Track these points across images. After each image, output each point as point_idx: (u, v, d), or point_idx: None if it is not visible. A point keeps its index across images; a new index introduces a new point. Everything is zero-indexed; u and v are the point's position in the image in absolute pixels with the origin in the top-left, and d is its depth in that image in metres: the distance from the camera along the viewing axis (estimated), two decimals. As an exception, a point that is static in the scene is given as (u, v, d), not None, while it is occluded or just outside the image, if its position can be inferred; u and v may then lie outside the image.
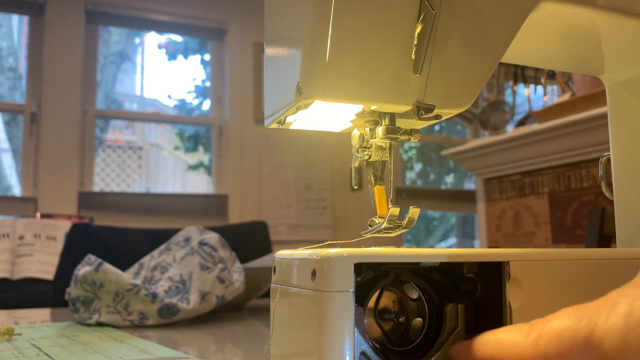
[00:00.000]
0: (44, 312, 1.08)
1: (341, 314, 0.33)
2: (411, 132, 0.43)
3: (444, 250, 0.37)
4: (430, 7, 0.39)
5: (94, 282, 0.83)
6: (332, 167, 3.33)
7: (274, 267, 0.40)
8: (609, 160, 0.55)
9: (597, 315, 0.25)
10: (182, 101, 3.79)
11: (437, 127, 4.16)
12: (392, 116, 0.43)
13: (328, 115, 0.45)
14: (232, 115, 3.27)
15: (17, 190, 3.06)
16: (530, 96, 2.61)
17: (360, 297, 0.36)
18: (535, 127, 1.96)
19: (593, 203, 1.81)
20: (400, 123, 0.43)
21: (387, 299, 0.38)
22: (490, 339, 0.30)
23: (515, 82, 2.66)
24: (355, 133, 0.45)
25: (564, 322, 0.26)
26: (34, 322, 0.90)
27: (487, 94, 2.84)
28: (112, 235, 1.43)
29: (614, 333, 0.24)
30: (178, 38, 3.71)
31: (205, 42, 3.56)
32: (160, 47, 3.81)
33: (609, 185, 0.54)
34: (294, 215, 3.26)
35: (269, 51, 0.47)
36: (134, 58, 3.85)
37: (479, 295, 0.39)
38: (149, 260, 0.99)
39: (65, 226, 2.46)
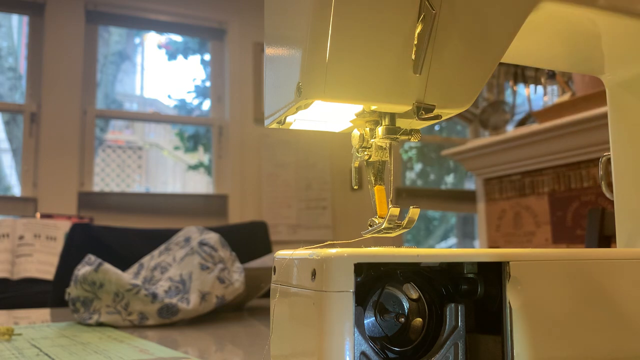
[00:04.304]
0: (44, 312, 1.08)
1: (341, 314, 0.33)
2: (411, 132, 0.43)
3: (444, 250, 0.37)
4: (430, 7, 0.39)
5: (94, 282, 0.83)
6: (332, 167, 3.33)
7: (274, 267, 0.40)
8: (609, 160, 0.55)
9: None
10: (182, 101, 3.78)
11: (437, 127, 4.16)
12: (392, 116, 0.43)
13: (328, 115, 0.45)
14: (232, 115, 3.27)
15: (17, 190, 3.06)
16: (530, 96, 2.61)
17: (360, 297, 0.36)
18: (535, 127, 1.96)
19: (593, 203, 1.81)
20: (400, 123, 0.43)
21: (387, 299, 0.38)
22: None
23: (515, 82, 2.66)
24: (355, 133, 0.45)
25: None
26: (34, 322, 0.90)
27: (487, 94, 2.84)
28: (112, 235, 1.43)
29: None
30: (178, 38, 3.71)
31: (205, 42, 3.56)
32: (160, 47, 3.80)
33: (609, 185, 0.54)
34: (294, 215, 3.26)
35: (269, 51, 0.47)
36: (134, 58, 3.85)
37: (479, 295, 0.39)
38: (149, 260, 0.99)
39: (65, 226, 2.46)
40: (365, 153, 0.44)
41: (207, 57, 3.61)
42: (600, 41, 0.50)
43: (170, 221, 3.01)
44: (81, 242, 1.33)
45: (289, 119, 0.45)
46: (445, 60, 0.41)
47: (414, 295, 0.38)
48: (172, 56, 3.79)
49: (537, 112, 2.06)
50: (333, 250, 0.34)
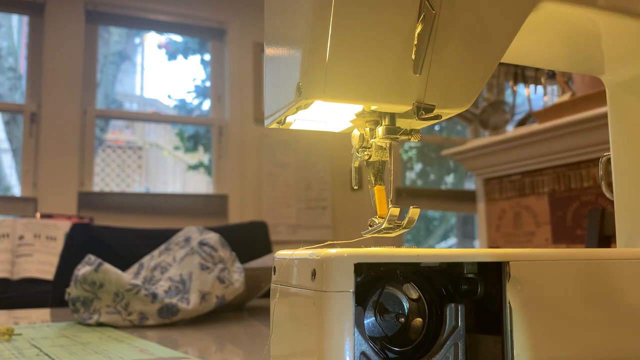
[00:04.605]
0: (44, 312, 1.08)
1: (341, 314, 0.33)
2: (411, 132, 0.43)
3: (444, 250, 0.37)
4: (430, 7, 0.39)
5: (94, 282, 0.83)
6: (332, 167, 3.33)
7: (274, 267, 0.40)
8: (609, 160, 0.55)
9: None
10: (182, 101, 3.78)
11: (437, 127, 4.16)
12: (392, 116, 0.43)
13: (328, 115, 0.45)
14: (232, 115, 3.27)
15: (17, 190, 3.06)
16: (530, 96, 2.61)
17: (360, 297, 0.36)
18: (535, 127, 1.96)
19: (593, 203, 1.81)
20: (400, 123, 0.43)
21: (387, 299, 0.38)
22: None
23: (515, 82, 2.66)
24: (355, 133, 0.45)
25: None
26: (34, 322, 0.90)
27: (487, 94, 2.84)
28: (112, 235, 1.43)
29: None
30: (178, 38, 3.71)
31: (205, 42, 3.56)
32: (160, 47, 3.80)
33: (609, 185, 0.54)
34: (294, 215, 3.26)
35: (269, 51, 0.47)
36: (134, 58, 3.85)
37: (479, 295, 0.39)
38: (149, 260, 0.99)
39: (65, 226, 2.45)
40: (365, 153, 0.44)
41: (207, 57, 3.61)
42: (600, 41, 0.50)
43: (170, 221, 3.01)
44: (81, 242, 1.33)
45: (289, 119, 0.45)
46: (445, 60, 0.41)
47: (414, 295, 0.38)
48: (172, 56, 3.79)
49: (537, 112, 2.06)
50: (333, 250, 0.34)
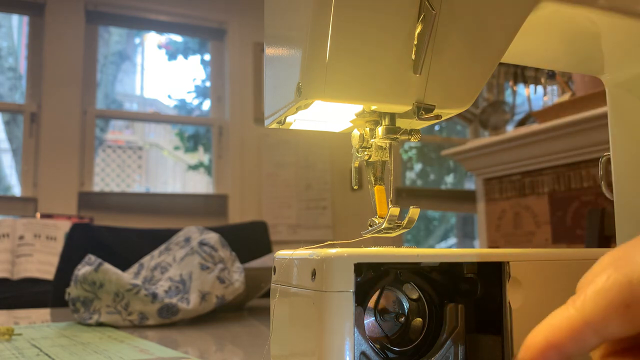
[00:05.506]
0: (44, 312, 1.08)
1: (341, 314, 0.33)
2: (411, 132, 0.43)
3: (444, 250, 0.37)
4: (430, 7, 0.39)
5: (94, 282, 0.83)
6: (332, 167, 3.33)
7: (274, 267, 0.40)
8: (609, 160, 0.55)
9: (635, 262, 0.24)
10: (182, 101, 3.78)
11: (437, 127, 4.16)
12: (392, 116, 0.43)
13: (328, 115, 0.45)
14: (232, 115, 3.27)
15: (17, 190, 3.06)
16: (530, 96, 2.61)
17: (360, 297, 0.36)
18: (535, 127, 1.96)
19: (593, 203, 1.81)
20: (400, 123, 0.43)
21: (387, 299, 0.38)
22: (541, 325, 0.29)
23: (515, 82, 2.66)
24: (355, 133, 0.45)
25: (603, 278, 0.25)
26: (34, 322, 0.90)
27: (487, 94, 2.84)
28: (112, 236, 1.43)
29: None
30: (178, 38, 3.71)
31: (205, 42, 3.56)
32: (160, 47, 3.80)
33: (609, 185, 0.54)
34: (294, 215, 3.26)
35: (269, 51, 0.47)
36: (134, 58, 3.85)
37: (479, 295, 0.39)
38: (149, 260, 0.99)
39: (65, 226, 2.46)
40: (365, 153, 0.44)
41: (207, 57, 3.61)
42: (600, 41, 0.50)
43: (170, 221, 3.01)
44: (81, 242, 1.33)
45: (289, 119, 0.45)
46: (445, 60, 0.41)
47: (414, 295, 0.38)
48: (172, 56, 3.79)
49: (537, 112, 2.06)
50: (333, 250, 0.34)
